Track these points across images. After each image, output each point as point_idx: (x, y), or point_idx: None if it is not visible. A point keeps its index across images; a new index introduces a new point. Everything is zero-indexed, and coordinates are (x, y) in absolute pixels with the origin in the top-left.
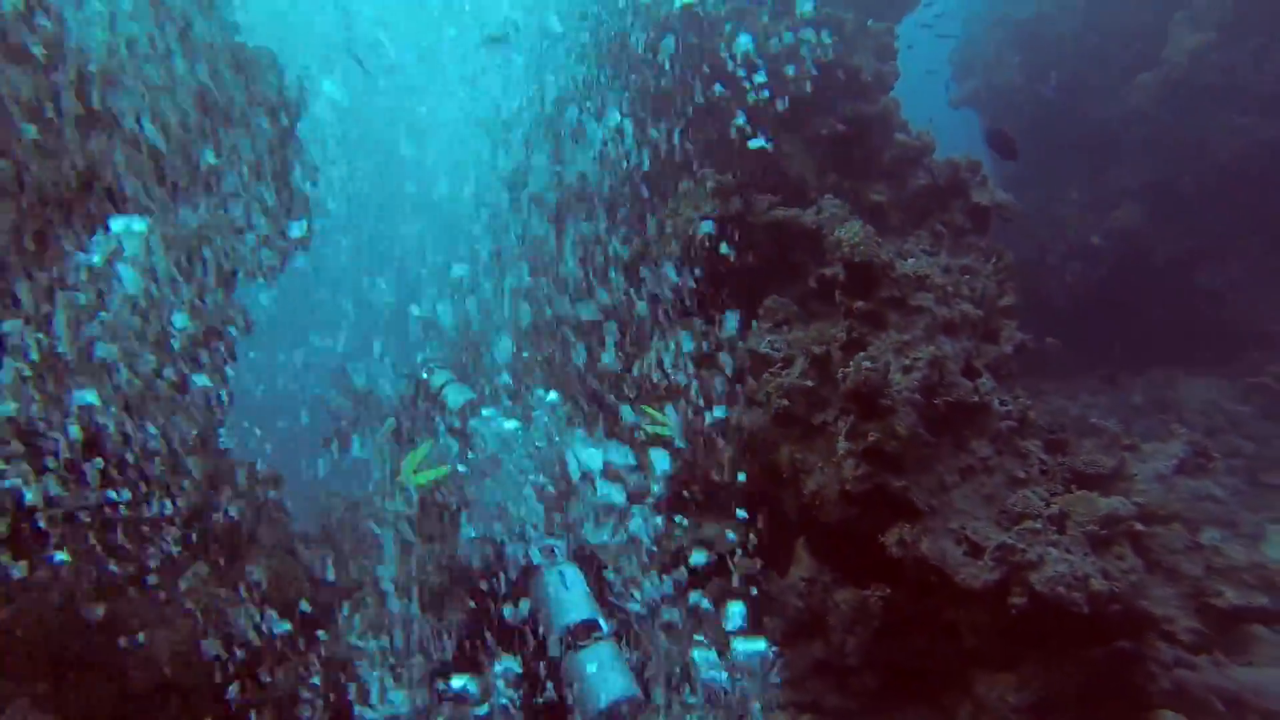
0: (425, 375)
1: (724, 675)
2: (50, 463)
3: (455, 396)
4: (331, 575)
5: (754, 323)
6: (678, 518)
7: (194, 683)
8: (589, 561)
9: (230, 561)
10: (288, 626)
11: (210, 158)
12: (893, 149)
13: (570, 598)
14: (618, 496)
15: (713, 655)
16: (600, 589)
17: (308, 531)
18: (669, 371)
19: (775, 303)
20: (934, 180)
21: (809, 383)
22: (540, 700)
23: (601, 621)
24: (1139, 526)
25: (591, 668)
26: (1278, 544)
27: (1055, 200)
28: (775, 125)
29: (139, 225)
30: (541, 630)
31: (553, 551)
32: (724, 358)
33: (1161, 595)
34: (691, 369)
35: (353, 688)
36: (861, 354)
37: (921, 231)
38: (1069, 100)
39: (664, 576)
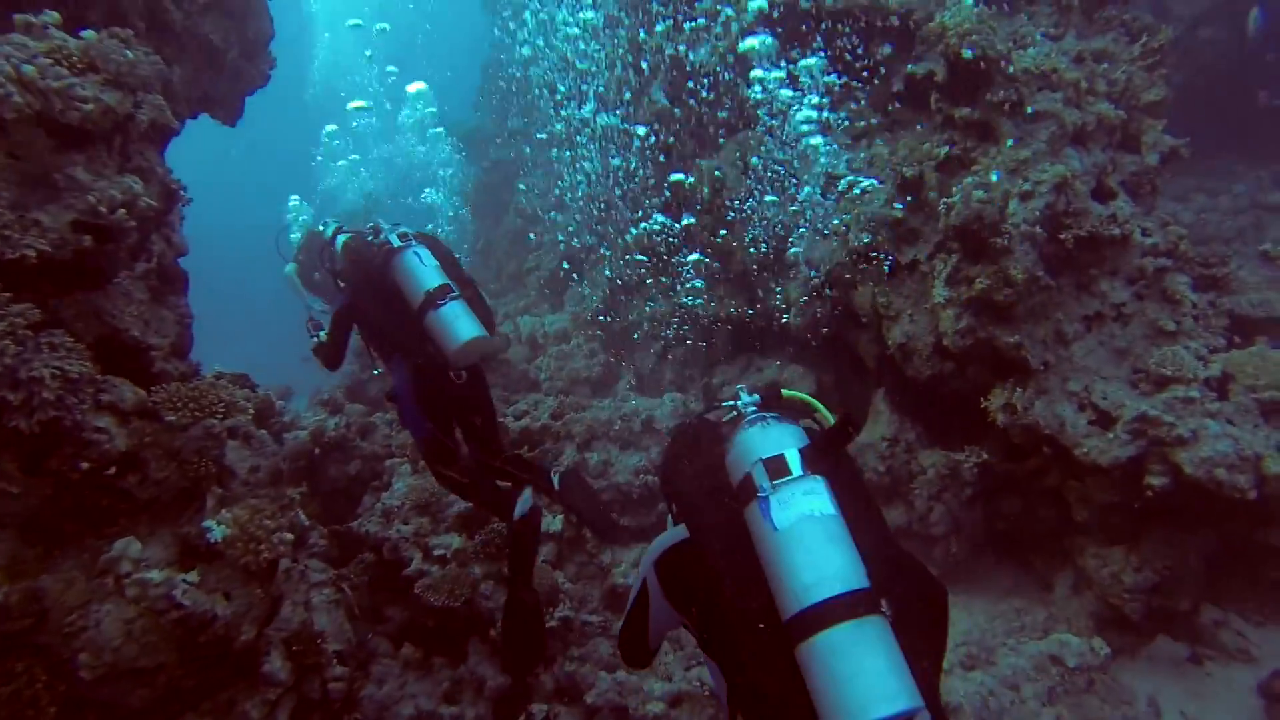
0: None
1: None
2: None
3: None
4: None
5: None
6: None
7: (161, 662)
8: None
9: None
10: None
11: None
12: None
13: (426, 270)
14: None
15: None
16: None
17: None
18: None
19: (851, 110)
20: None
21: (897, 211)
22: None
23: (454, 286)
24: None
25: (449, 320)
26: None
27: None
28: None
29: None
30: (408, 297)
31: (407, 236)
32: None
33: None
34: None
35: None
36: (971, 178)
37: (1041, 6)
38: None
39: None
